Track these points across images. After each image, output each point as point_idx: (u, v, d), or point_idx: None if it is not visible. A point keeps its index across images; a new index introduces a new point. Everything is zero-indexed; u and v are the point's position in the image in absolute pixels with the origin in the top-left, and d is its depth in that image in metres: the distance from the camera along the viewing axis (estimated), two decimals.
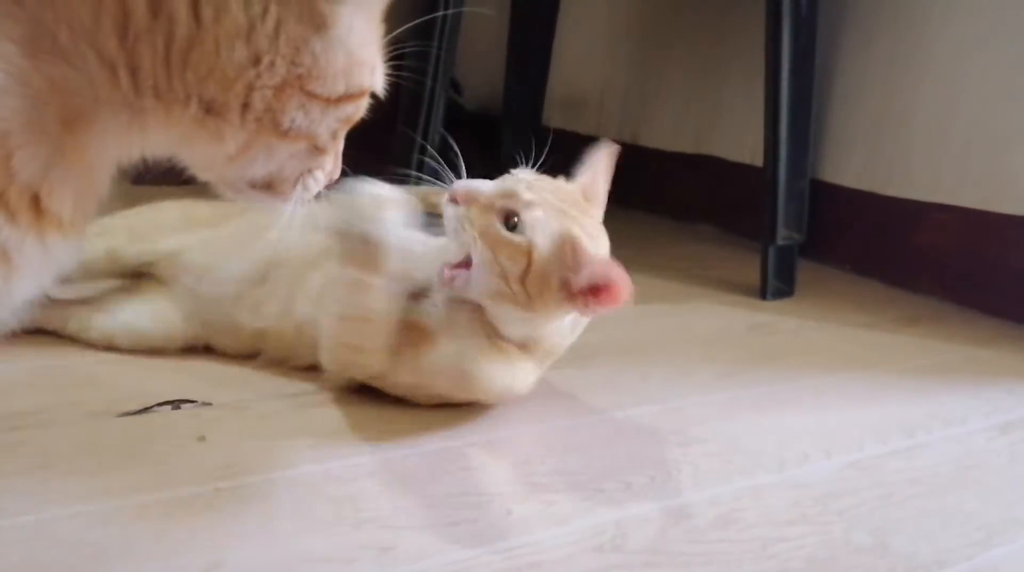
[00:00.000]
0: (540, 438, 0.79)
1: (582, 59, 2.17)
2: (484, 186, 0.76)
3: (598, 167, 0.83)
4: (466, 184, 0.76)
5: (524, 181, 0.77)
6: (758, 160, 1.46)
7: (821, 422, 0.90)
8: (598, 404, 0.89)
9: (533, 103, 2.01)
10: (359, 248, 0.75)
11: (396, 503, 0.67)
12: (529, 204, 0.74)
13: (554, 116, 2.19)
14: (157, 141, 0.44)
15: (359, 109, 0.48)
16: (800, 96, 1.37)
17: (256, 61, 0.41)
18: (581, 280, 0.71)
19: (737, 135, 1.78)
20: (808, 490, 0.75)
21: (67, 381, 0.84)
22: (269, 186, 0.49)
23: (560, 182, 0.80)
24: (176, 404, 0.81)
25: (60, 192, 0.41)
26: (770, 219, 1.36)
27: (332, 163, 0.50)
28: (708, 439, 0.84)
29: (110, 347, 0.91)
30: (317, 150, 0.48)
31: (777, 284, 1.37)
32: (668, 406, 0.91)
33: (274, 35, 0.41)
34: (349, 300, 0.77)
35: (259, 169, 0.47)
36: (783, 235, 1.37)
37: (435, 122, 1.49)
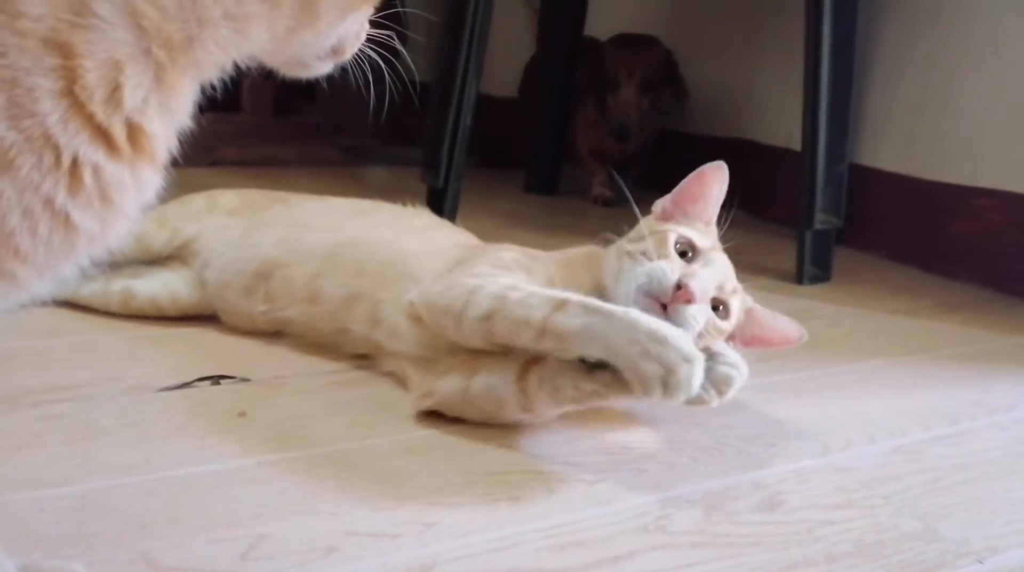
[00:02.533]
0: (580, 419, 0.78)
1: None
2: (710, 284, 0.73)
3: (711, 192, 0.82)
4: (701, 287, 0.71)
5: (720, 273, 0.75)
6: (793, 144, 1.44)
7: (863, 408, 0.89)
8: None
9: (563, 87, 1.99)
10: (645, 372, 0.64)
11: (438, 480, 0.67)
12: (735, 291, 0.77)
13: None
14: (255, 43, 0.45)
15: None
16: (840, 80, 1.34)
17: None
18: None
19: (772, 119, 1.76)
20: (853, 475, 0.74)
21: (107, 356, 0.85)
22: (335, 52, 0.52)
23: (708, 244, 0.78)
24: (215, 380, 0.81)
25: (156, 123, 0.41)
26: (808, 203, 1.34)
27: None
28: (749, 423, 0.83)
29: (121, 308, 0.93)
30: (369, 7, 0.51)
31: (813, 270, 1.35)
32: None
33: None
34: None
35: (334, 38, 0.50)
36: (821, 219, 1.35)
37: (465, 113, 1.48)
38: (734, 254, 0.81)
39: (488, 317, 0.71)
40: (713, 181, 0.81)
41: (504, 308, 0.70)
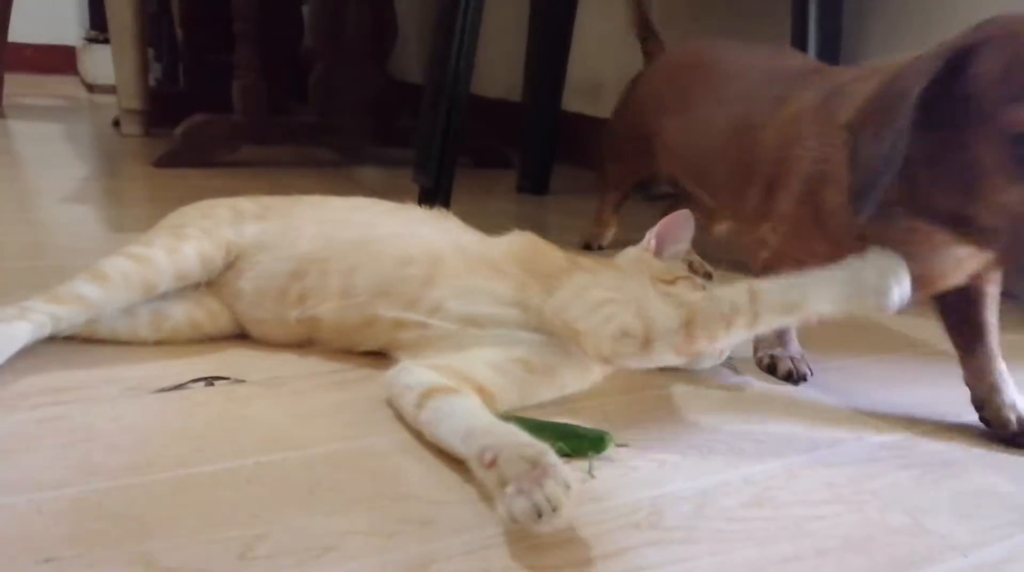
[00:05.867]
0: (572, 418, 0.79)
1: (601, 44, 2.16)
2: None
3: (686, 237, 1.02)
4: None
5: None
6: None
7: (850, 404, 0.90)
8: (624, 385, 0.90)
9: (553, 89, 2.01)
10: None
11: (434, 478, 0.67)
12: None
13: (573, 101, 2.19)
14: None
15: None
16: None
17: None
18: None
19: None
20: (841, 470, 0.75)
21: (102, 358, 0.85)
22: None
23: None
24: (210, 381, 0.82)
25: None
26: None
27: None
28: (738, 421, 0.84)
29: (152, 334, 0.89)
30: None
31: None
32: (694, 388, 0.91)
33: None
34: None
35: None
36: None
37: (456, 112, 1.49)
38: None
39: (687, 323, 0.73)
40: (685, 227, 1.01)
41: (700, 311, 0.73)
